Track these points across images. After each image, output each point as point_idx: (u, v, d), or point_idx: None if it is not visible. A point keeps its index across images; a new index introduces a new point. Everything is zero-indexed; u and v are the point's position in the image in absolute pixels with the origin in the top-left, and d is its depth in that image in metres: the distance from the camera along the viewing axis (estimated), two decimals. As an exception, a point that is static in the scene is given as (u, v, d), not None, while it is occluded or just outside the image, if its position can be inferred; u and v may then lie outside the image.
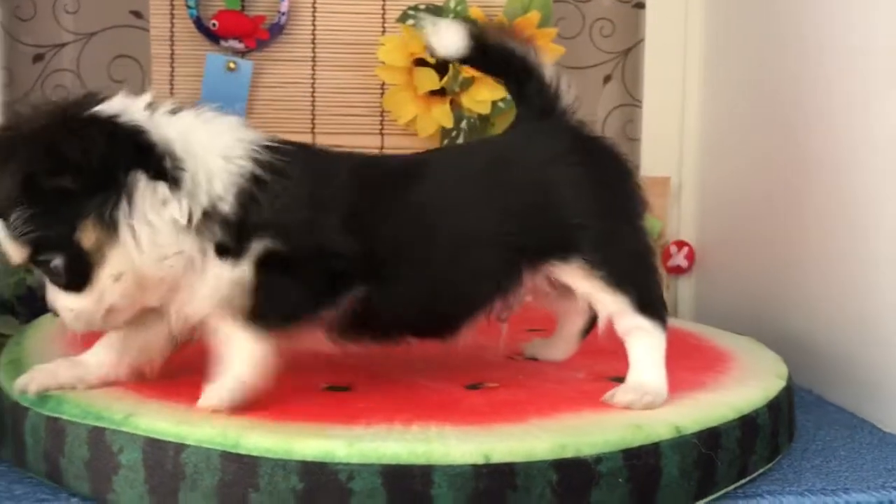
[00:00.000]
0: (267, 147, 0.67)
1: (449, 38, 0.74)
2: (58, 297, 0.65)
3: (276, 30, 1.20)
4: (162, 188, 0.63)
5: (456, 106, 1.18)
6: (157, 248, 0.63)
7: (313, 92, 1.23)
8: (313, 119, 1.24)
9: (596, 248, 0.70)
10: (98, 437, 0.61)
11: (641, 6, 1.29)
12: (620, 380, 0.74)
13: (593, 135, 0.78)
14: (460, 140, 1.18)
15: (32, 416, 0.65)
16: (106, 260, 0.63)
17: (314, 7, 1.22)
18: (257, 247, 0.64)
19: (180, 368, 0.71)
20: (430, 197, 0.71)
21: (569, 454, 0.58)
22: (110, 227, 0.62)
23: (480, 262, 0.70)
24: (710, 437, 0.64)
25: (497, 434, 0.59)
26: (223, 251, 0.64)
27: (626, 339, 0.71)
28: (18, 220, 0.62)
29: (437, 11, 1.15)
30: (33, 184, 0.61)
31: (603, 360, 0.82)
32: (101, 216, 0.62)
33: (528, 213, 0.71)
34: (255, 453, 0.57)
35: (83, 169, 0.61)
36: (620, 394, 0.68)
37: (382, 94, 1.23)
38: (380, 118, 1.25)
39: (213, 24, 1.17)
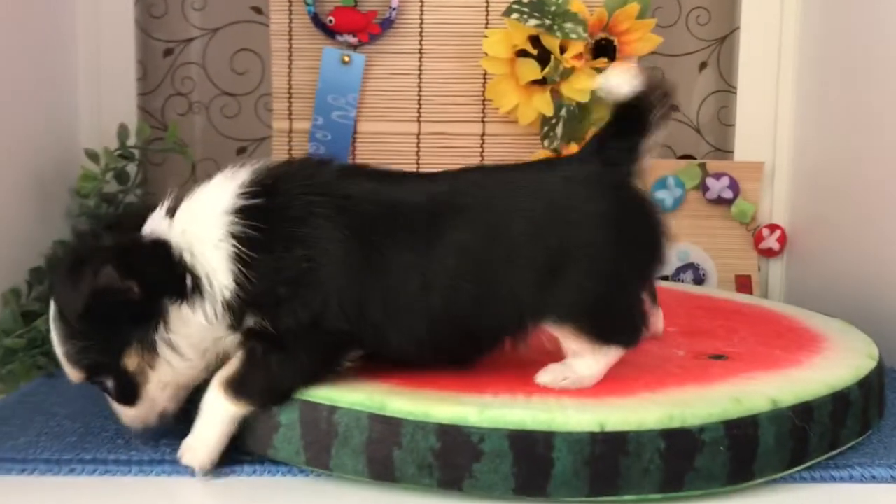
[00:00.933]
0: (243, 210, 0.68)
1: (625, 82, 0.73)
2: (115, 406, 0.73)
3: (387, 24, 1.27)
4: (186, 307, 0.69)
5: (556, 94, 1.23)
6: (194, 349, 0.70)
7: (420, 82, 1.31)
8: (419, 108, 1.31)
9: (594, 313, 0.71)
10: (260, 399, 0.71)
11: (738, -6, 1.33)
12: (719, 358, 0.80)
13: (637, 195, 0.74)
14: (559, 128, 1.24)
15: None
16: (150, 377, 0.70)
17: (422, 2, 1.29)
18: (249, 322, 0.69)
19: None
20: (441, 244, 0.70)
21: (675, 424, 0.65)
22: (151, 349, 0.69)
23: (491, 315, 0.71)
24: (804, 411, 0.69)
25: (610, 405, 0.66)
26: (230, 326, 0.70)
27: None
28: (73, 349, 0.69)
29: (540, 6, 1.20)
30: (93, 305, 0.66)
31: (702, 339, 0.88)
32: (141, 342, 0.69)
33: (546, 266, 0.70)
34: (398, 416, 0.65)
35: (138, 290, 0.67)
36: (544, 373, 0.72)
37: (485, 83, 1.30)
38: (481, 106, 1.32)
39: (330, 21, 1.25)
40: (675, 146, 1.37)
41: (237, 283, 0.68)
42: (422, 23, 1.30)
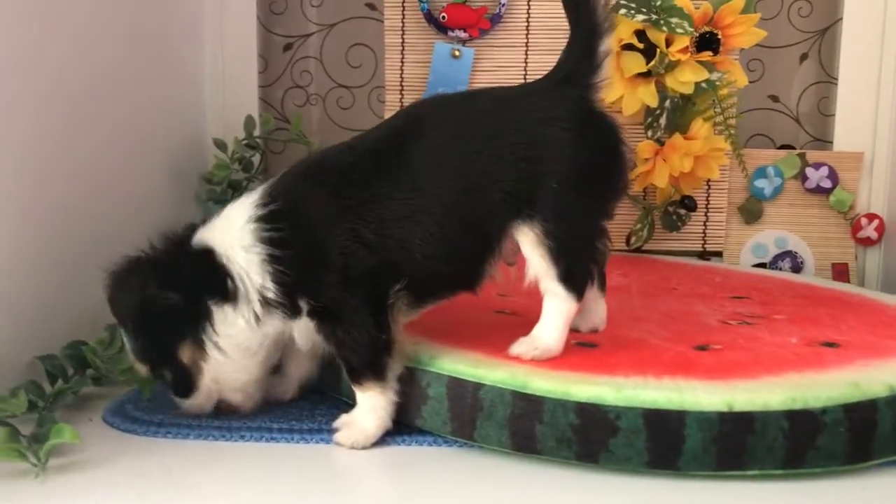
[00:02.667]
0: (262, 218, 0.77)
1: None
2: (179, 400, 0.81)
3: (497, 20, 1.33)
4: (229, 309, 0.77)
5: (660, 86, 1.27)
6: (241, 350, 0.78)
7: (525, 75, 1.36)
8: (524, 99, 1.37)
9: (553, 219, 0.77)
10: (409, 373, 0.78)
11: (840, -14, 1.34)
12: (832, 345, 0.84)
13: (601, 111, 0.82)
14: (663, 119, 1.28)
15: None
16: (203, 370, 0.78)
17: (529, -2, 1.34)
18: (305, 306, 0.77)
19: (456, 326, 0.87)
20: (427, 164, 0.77)
21: (798, 406, 0.70)
22: (200, 346, 0.77)
23: (485, 208, 0.77)
24: (921, 398, 0.74)
25: (736, 387, 0.72)
26: (290, 317, 0.78)
27: (544, 299, 0.80)
28: (136, 346, 0.78)
29: (646, 0, 1.24)
30: (144, 309, 0.76)
31: (811, 327, 0.92)
32: (193, 339, 0.77)
33: (520, 165, 0.77)
34: (539, 393, 0.72)
35: (178, 299, 0.76)
36: (515, 346, 0.78)
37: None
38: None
39: (443, 17, 1.31)
40: (775, 136, 1.40)
41: (274, 281, 0.76)
42: (528, 17, 1.35)
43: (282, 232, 0.76)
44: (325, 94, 1.44)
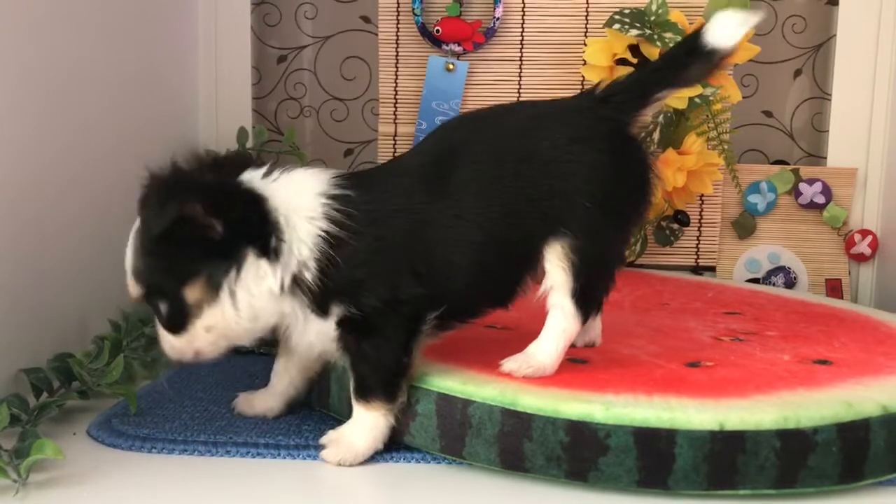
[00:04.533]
0: (337, 197, 0.74)
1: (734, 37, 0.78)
2: (160, 329, 0.76)
3: (491, 33, 1.33)
4: (265, 264, 0.73)
5: (653, 101, 1.27)
6: (252, 310, 0.73)
7: (519, 88, 1.36)
8: (518, 112, 1.36)
9: (583, 233, 0.76)
10: (398, 392, 0.77)
11: (834, 3, 1.34)
12: (824, 363, 0.84)
13: (633, 135, 0.82)
14: (656, 134, 1.28)
15: (337, 369, 0.82)
16: (203, 314, 0.73)
17: (523, 12, 1.34)
18: (337, 310, 0.74)
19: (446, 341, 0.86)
20: (466, 190, 0.76)
21: (790, 425, 0.69)
22: (215, 289, 0.72)
23: (523, 231, 0.77)
24: (914, 417, 0.73)
25: (727, 406, 0.71)
26: (314, 311, 0.75)
27: (549, 313, 0.79)
28: (142, 265, 0.73)
29: (640, 15, 1.24)
30: (179, 227, 0.69)
31: (804, 344, 0.91)
32: (209, 279, 0.72)
33: (553, 183, 0.77)
34: (529, 411, 0.71)
35: (221, 231, 0.70)
36: (509, 362, 0.77)
37: (582, 89, 1.35)
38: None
39: (437, 30, 1.31)
40: (769, 151, 1.40)
41: (319, 266, 0.72)
42: (523, 31, 1.35)
43: (353, 221, 0.74)
44: (318, 106, 1.43)
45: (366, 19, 1.41)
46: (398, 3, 1.35)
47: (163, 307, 0.74)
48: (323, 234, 0.73)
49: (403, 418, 0.77)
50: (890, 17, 1.31)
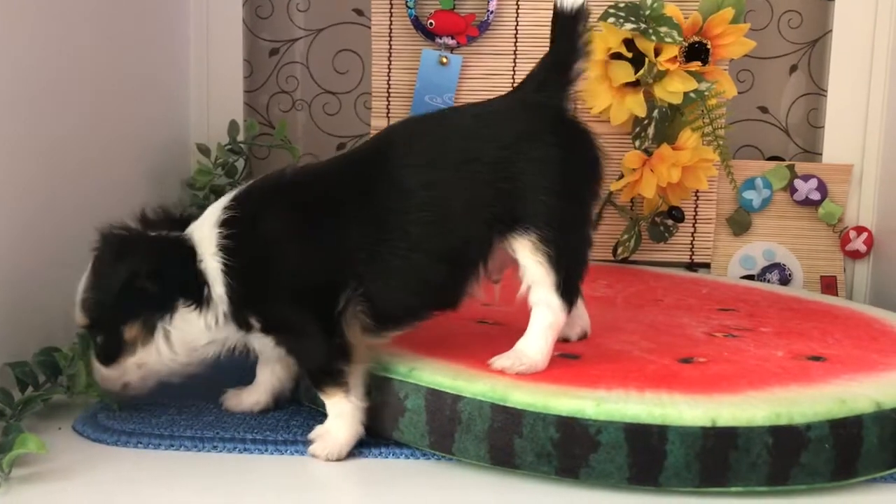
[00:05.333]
0: (225, 223, 0.77)
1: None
2: (94, 358, 0.81)
3: (484, 27, 1.32)
4: (195, 310, 0.77)
5: (648, 96, 1.26)
6: (187, 347, 0.78)
7: (513, 82, 1.35)
8: (512, 107, 1.35)
9: (550, 226, 0.77)
10: (386, 385, 0.76)
11: (831, -2, 1.34)
12: (818, 359, 0.83)
13: (575, 119, 0.83)
14: (651, 129, 1.27)
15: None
16: (136, 351, 0.78)
17: (517, 5, 1.33)
18: (256, 323, 0.77)
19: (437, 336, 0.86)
20: (394, 195, 0.77)
21: (783, 422, 0.68)
22: (150, 331, 0.77)
23: (462, 236, 0.77)
24: (907, 414, 0.73)
25: (720, 402, 0.70)
26: (242, 328, 0.78)
27: (533, 310, 0.79)
28: (90, 300, 0.78)
29: (635, 9, 1.23)
30: (126, 286, 0.76)
31: (798, 341, 0.91)
32: (146, 322, 0.77)
33: (499, 183, 0.77)
34: (519, 406, 0.70)
35: (162, 286, 0.76)
36: (501, 359, 0.76)
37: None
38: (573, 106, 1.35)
39: (431, 24, 1.30)
40: (764, 148, 1.39)
41: (226, 292, 0.76)
42: (517, 25, 1.34)
43: (234, 241, 0.76)
44: (311, 99, 1.42)
45: (359, 12, 1.40)
46: (392, -4, 1.34)
47: (101, 340, 0.79)
48: (221, 264, 0.76)
49: (392, 414, 0.76)
50: (886, 13, 1.30)
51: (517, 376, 0.75)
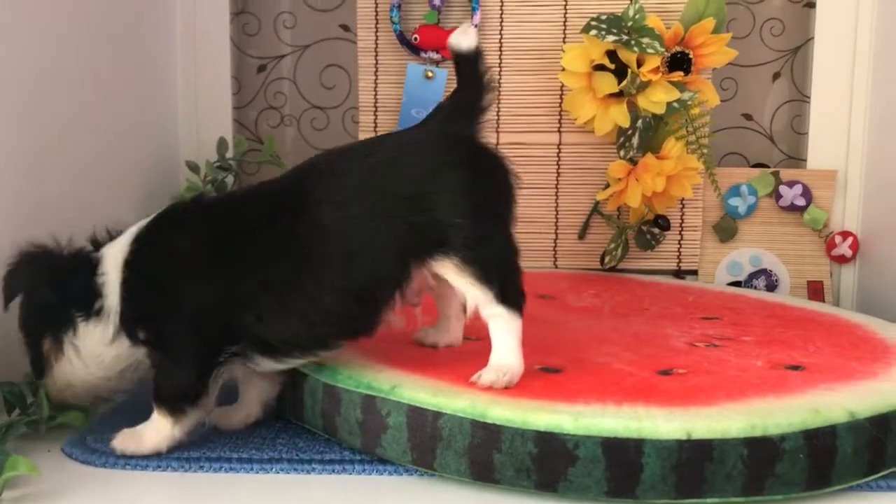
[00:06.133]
0: (136, 239, 0.81)
1: (468, 39, 0.85)
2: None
3: (469, 40, 1.33)
4: (92, 322, 0.81)
5: (632, 106, 1.27)
6: (98, 359, 0.82)
7: (499, 94, 1.36)
8: (498, 119, 1.37)
9: (469, 247, 0.78)
10: (369, 402, 0.77)
11: (811, 6, 1.35)
12: (796, 368, 0.84)
13: (483, 145, 0.85)
14: (635, 139, 1.28)
15: (311, 381, 0.83)
16: (53, 366, 0.83)
17: (501, 19, 1.34)
18: (141, 335, 0.80)
19: (420, 352, 0.87)
20: (315, 221, 0.78)
21: (757, 433, 0.69)
22: (59, 344, 0.82)
23: (375, 272, 0.79)
24: (881, 423, 0.73)
25: (695, 414, 0.71)
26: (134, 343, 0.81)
27: (489, 325, 0.80)
28: (20, 315, 0.83)
29: (617, 21, 1.25)
30: (28, 297, 0.82)
31: (778, 349, 0.92)
32: (54, 336, 0.82)
33: (415, 216, 0.78)
34: (498, 422, 0.71)
35: (55, 303, 0.81)
36: (485, 375, 0.77)
37: (561, 95, 1.35)
38: (558, 117, 1.37)
39: (415, 38, 1.31)
40: (749, 155, 1.41)
41: (123, 304, 0.80)
42: (501, 38, 1.35)
43: (138, 256, 0.80)
44: (299, 115, 1.44)
45: (345, 28, 1.41)
46: (377, 12, 1.35)
47: (30, 354, 0.84)
48: (121, 278, 0.80)
49: (374, 430, 0.77)
50: (866, 19, 1.31)
51: (499, 391, 0.76)
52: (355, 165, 0.81)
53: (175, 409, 0.79)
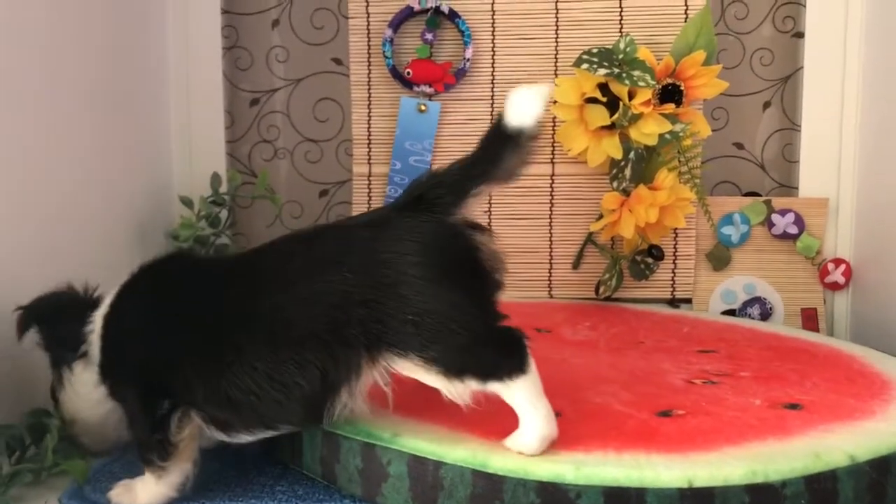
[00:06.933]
0: (118, 295, 0.83)
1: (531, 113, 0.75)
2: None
3: (461, 74, 1.33)
4: (81, 366, 0.84)
5: (624, 138, 1.28)
6: (86, 396, 0.84)
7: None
8: (491, 150, 1.37)
9: (430, 345, 0.71)
10: (370, 451, 0.77)
11: (801, 35, 1.36)
12: (795, 407, 0.85)
13: (455, 230, 0.75)
14: (628, 170, 1.28)
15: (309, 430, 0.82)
16: (60, 396, 0.86)
17: (493, 52, 1.35)
18: (108, 388, 0.83)
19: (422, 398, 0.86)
20: (258, 310, 0.75)
21: (759, 479, 0.70)
22: (59, 378, 0.85)
23: (319, 366, 0.73)
24: (882, 465, 0.73)
25: (696, 461, 0.71)
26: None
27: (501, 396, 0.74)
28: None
29: (608, 54, 1.26)
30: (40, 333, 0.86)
31: (776, 386, 0.92)
32: (56, 369, 0.86)
33: (367, 309, 0.72)
34: (500, 472, 0.71)
35: (49, 336, 0.86)
36: (522, 442, 0.73)
37: (554, 126, 1.36)
38: (551, 149, 1.37)
39: (408, 73, 1.32)
40: (741, 183, 1.41)
41: (101, 354, 0.83)
42: (493, 70, 1.36)
43: (112, 311, 0.83)
44: (292, 148, 1.44)
45: (337, 61, 1.41)
46: (369, 46, 1.35)
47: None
48: (100, 329, 0.83)
49: (375, 478, 0.77)
50: (854, 48, 1.33)
51: (497, 441, 0.75)
52: (300, 249, 0.77)
53: (150, 463, 0.78)
